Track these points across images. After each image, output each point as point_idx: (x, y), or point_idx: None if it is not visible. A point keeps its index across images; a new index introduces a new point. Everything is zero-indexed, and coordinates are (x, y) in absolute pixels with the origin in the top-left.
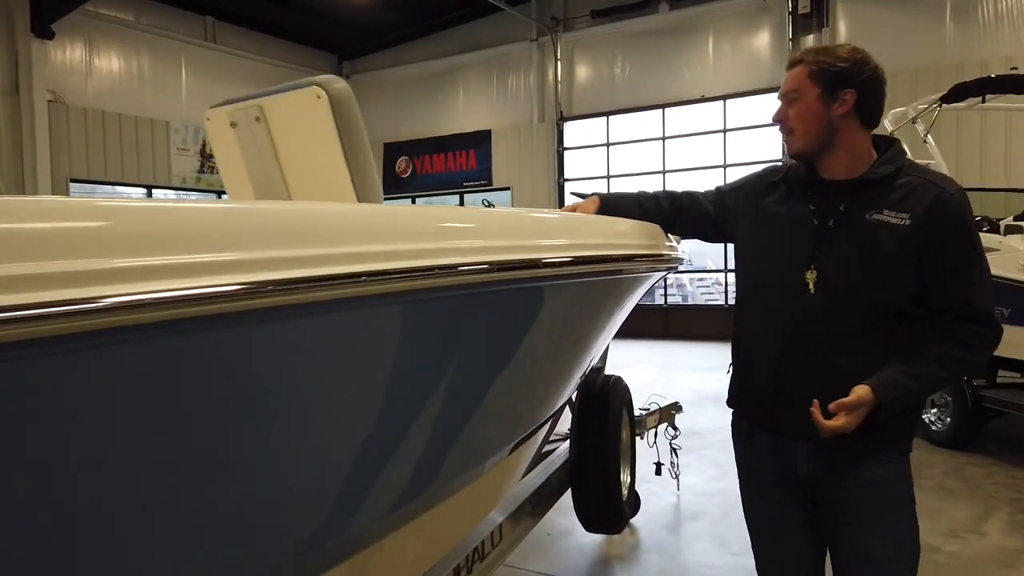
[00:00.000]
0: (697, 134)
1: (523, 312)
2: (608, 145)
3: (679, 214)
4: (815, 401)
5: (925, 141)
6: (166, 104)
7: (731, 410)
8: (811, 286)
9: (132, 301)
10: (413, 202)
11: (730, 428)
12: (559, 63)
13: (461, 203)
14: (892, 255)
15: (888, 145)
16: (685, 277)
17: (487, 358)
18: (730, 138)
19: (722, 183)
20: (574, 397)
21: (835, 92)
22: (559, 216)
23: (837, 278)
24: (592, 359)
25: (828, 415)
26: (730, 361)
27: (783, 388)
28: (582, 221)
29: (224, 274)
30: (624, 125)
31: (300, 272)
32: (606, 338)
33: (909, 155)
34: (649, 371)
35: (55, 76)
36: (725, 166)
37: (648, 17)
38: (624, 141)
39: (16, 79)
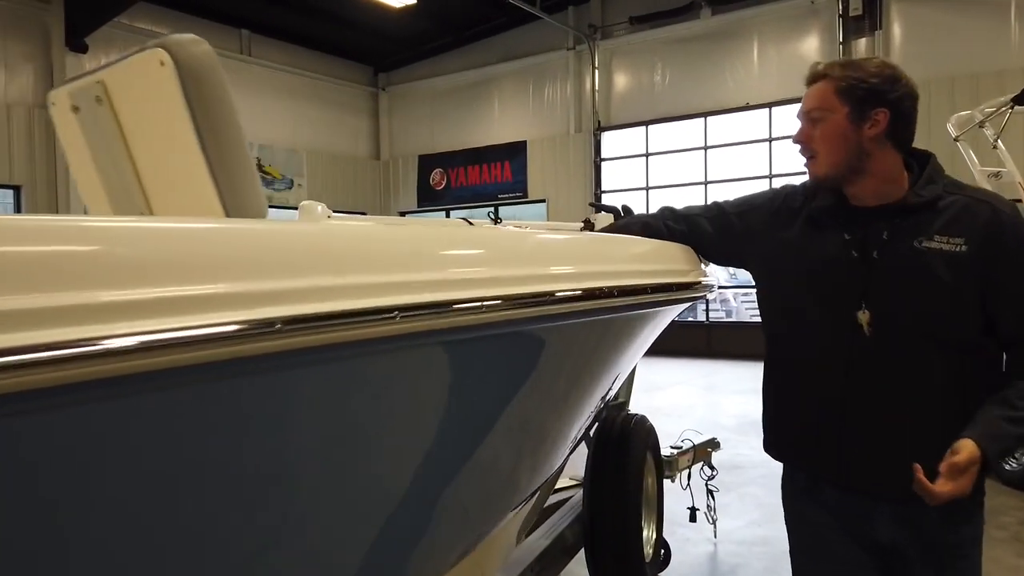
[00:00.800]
0: (741, 143)
1: (526, 357)
2: (647, 155)
3: (676, 238)
4: (917, 466)
5: (995, 147)
6: None
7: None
8: (865, 327)
9: (139, 343)
10: (447, 215)
11: (780, 472)
12: (597, 71)
13: (496, 215)
14: (951, 285)
15: (922, 161)
16: (729, 292)
17: (479, 413)
18: (776, 147)
19: (721, 199)
20: (592, 432)
21: (866, 111)
22: (567, 239)
23: (895, 316)
24: (608, 396)
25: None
26: (763, 406)
27: (850, 442)
28: (594, 244)
29: (214, 311)
30: (664, 135)
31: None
32: (625, 374)
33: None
34: (689, 394)
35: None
36: (771, 176)
37: (689, 23)
38: (664, 151)
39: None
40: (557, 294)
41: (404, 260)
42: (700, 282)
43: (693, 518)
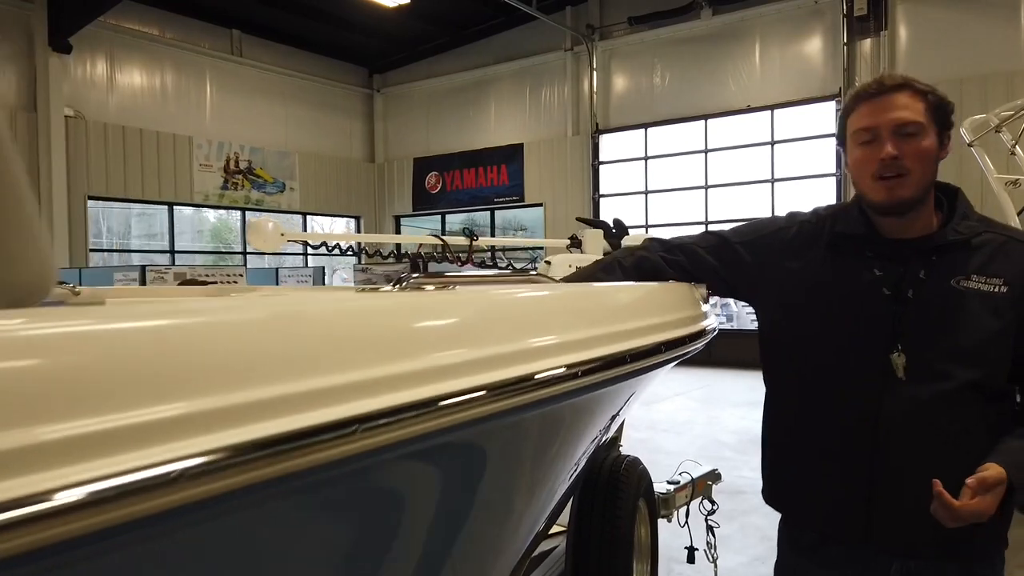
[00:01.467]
0: (742, 146)
1: (512, 444)
2: (646, 159)
3: (675, 269)
4: (936, 481)
5: (1013, 153)
6: (189, 119)
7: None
8: (901, 371)
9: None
10: (443, 219)
11: (776, 527)
12: (595, 73)
13: (492, 220)
14: (991, 328)
15: (950, 195)
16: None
17: (455, 506)
18: (778, 151)
19: (720, 228)
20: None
21: (943, 134)
22: (553, 296)
23: (932, 359)
24: (605, 440)
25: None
26: (762, 453)
27: (880, 498)
28: (584, 300)
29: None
30: (664, 137)
31: None
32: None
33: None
34: (687, 407)
35: (75, 91)
36: (773, 180)
37: (690, 23)
38: (663, 155)
39: (34, 94)
40: (546, 374)
41: (363, 348)
42: (704, 329)
43: (691, 559)
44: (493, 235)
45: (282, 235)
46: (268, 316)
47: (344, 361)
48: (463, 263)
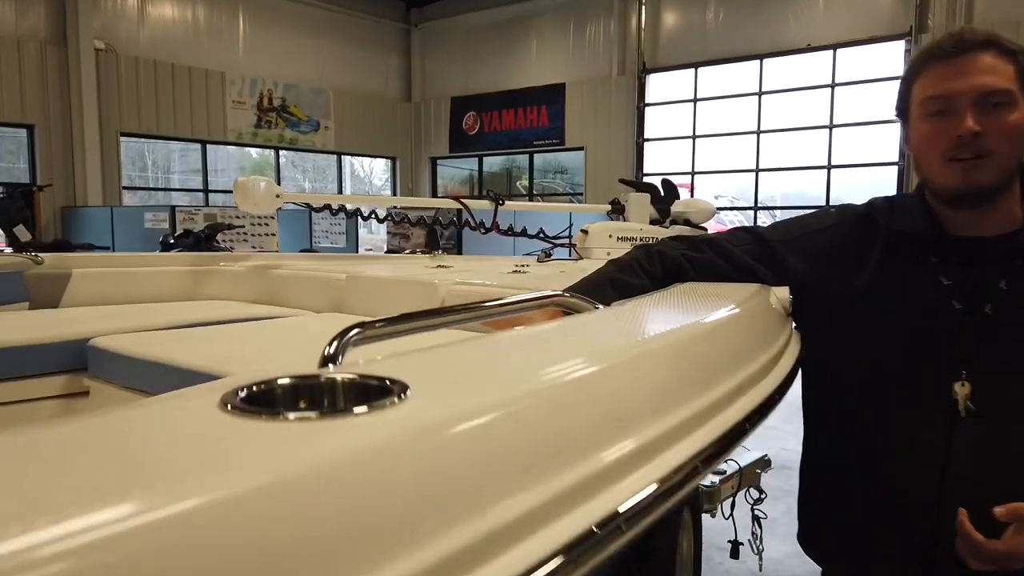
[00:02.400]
0: (800, 89)
1: None
2: (696, 101)
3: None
4: (961, 511)
5: None
6: (222, 54)
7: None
8: (962, 404)
9: None
10: (480, 162)
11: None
12: (643, 8)
13: (531, 163)
14: None
15: None
16: None
17: None
18: (839, 94)
19: (755, 223)
20: None
21: None
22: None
23: (1006, 391)
24: None
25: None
26: (800, 492)
27: (946, 551)
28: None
29: None
30: (714, 78)
31: None
32: None
33: None
34: None
35: (106, 24)
36: (831, 127)
37: None
38: (714, 96)
39: (64, 27)
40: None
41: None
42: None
43: (735, 554)
44: (531, 178)
45: (277, 196)
46: None
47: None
48: (487, 230)
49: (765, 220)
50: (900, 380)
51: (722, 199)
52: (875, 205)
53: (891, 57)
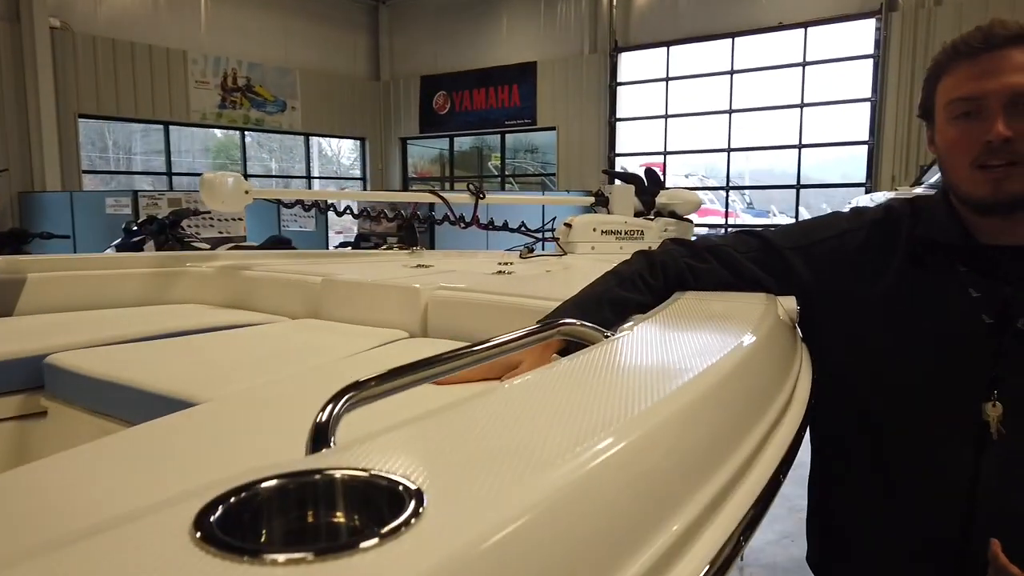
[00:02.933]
0: (771, 68)
1: None
2: (668, 80)
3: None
4: (994, 541)
5: None
6: (184, 32)
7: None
8: (995, 427)
9: None
10: (451, 142)
11: (809, 570)
12: None
13: (503, 143)
14: None
15: None
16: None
17: None
18: (811, 72)
19: (761, 227)
20: None
21: None
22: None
23: None
24: None
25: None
26: (809, 513)
27: None
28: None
29: None
30: (687, 57)
31: None
32: None
33: None
34: None
35: (61, 1)
36: (802, 105)
37: None
38: (686, 75)
39: (17, 4)
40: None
41: None
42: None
43: None
44: (503, 158)
45: (246, 192)
46: None
47: None
48: (467, 225)
49: (735, 199)
50: (924, 400)
51: (692, 178)
52: (894, 209)
53: (862, 36)
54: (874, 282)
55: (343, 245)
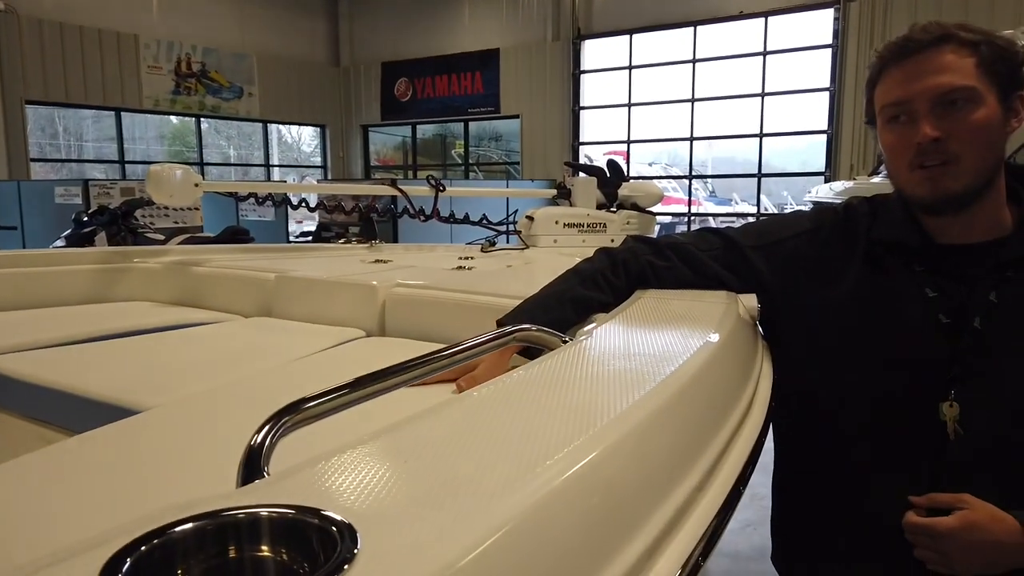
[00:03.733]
0: (733, 57)
1: None
2: (631, 68)
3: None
4: (909, 514)
5: None
6: (135, 16)
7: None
8: (950, 428)
9: None
10: (414, 129)
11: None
12: None
13: (466, 131)
14: None
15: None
16: (708, 217)
17: None
18: (771, 62)
19: (724, 215)
20: None
21: (1011, 98)
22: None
23: (998, 414)
24: None
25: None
26: (773, 511)
27: None
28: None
29: None
30: (649, 45)
31: None
32: None
33: None
34: None
35: None
36: (763, 95)
37: None
38: (649, 64)
39: None
40: None
41: None
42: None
43: None
44: (467, 146)
45: (196, 185)
46: None
47: None
48: (427, 218)
49: (698, 187)
50: (882, 400)
51: (656, 166)
52: (854, 209)
53: (819, 25)
54: (834, 282)
55: (304, 235)
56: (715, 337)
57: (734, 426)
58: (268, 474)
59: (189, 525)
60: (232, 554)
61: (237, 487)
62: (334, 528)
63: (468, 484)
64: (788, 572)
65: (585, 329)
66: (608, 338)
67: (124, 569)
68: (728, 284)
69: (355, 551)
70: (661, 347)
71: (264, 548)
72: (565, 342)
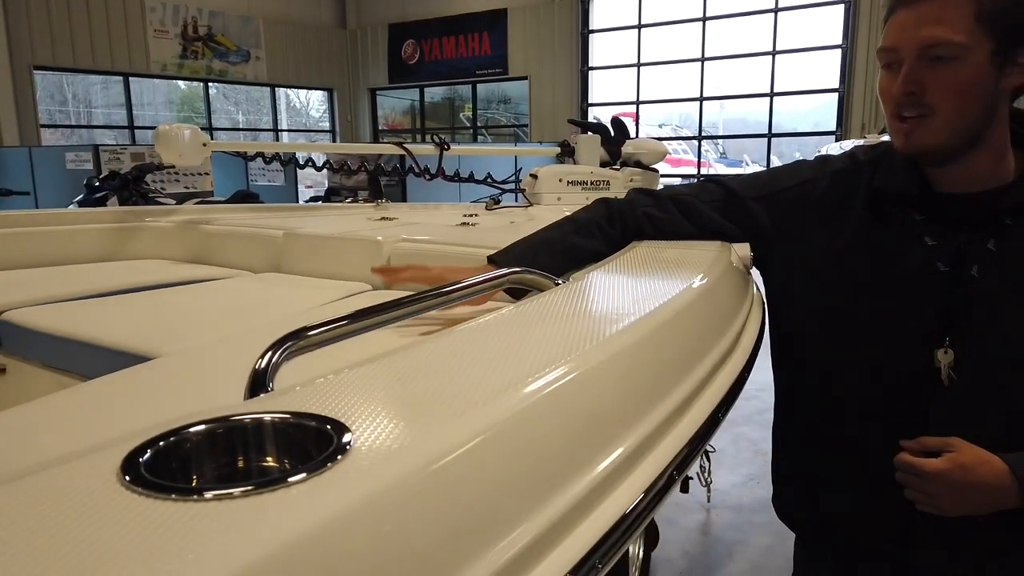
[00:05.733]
0: (743, 14)
1: None
2: (640, 27)
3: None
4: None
5: None
6: None
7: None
8: (945, 374)
9: None
10: (422, 92)
11: (774, 511)
12: None
13: (474, 94)
14: None
15: None
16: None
17: None
18: (782, 19)
19: (724, 176)
20: None
21: (1011, 52)
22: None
23: (993, 360)
24: None
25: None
26: (774, 457)
27: (921, 524)
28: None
29: None
30: (659, 3)
31: None
32: None
33: None
34: None
35: None
36: (774, 53)
37: None
38: (658, 23)
39: None
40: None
41: None
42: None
43: (685, 488)
44: (475, 109)
45: (204, 145)
46: None
47: None
48: (431, 176)
49: (708, 149)
50: (879, 346)
51: (666, 127)
52: (857, 158)
53: None
54: (834, 232)
55: (314, 199)
56: (701, 281)
57: (715, 362)
58: (272, 390)
59: (201, 427)
60: (241, 454)
61: (244, 400)
62: (328, 427)
63: (455, 396)
64: (788, 518)
65: (576, 275)
66: (599, 281)
67: (144, 459)
68: (728, 234)
69: (347, 447)
70: (649, 289)
71: (267, 447)
72: (558, 284)
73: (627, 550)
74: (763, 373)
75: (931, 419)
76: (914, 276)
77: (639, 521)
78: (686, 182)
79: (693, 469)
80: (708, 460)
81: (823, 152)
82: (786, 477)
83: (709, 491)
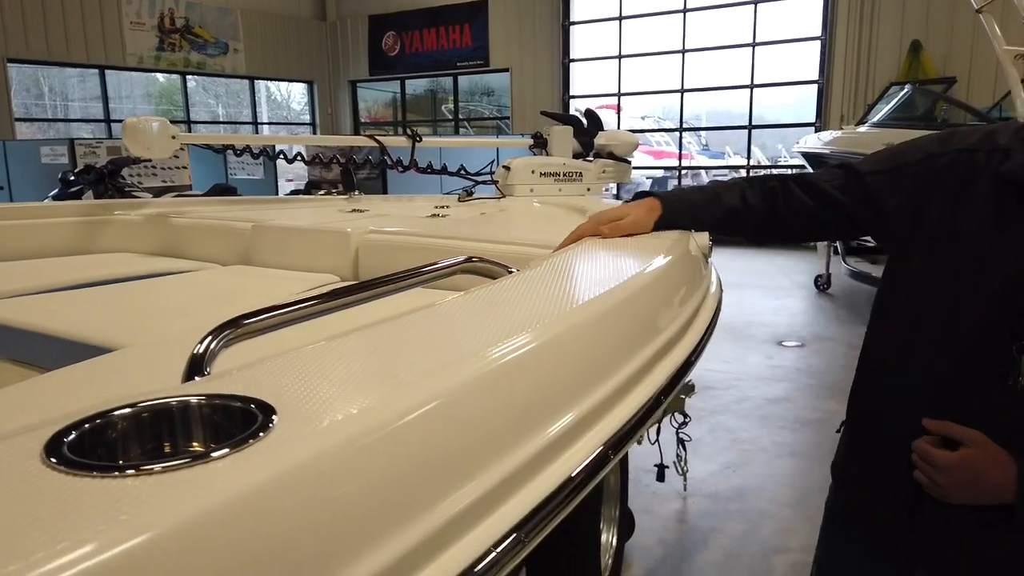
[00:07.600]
0: (724, 6)
1: None
2: (621, 19)
3: (791, 218)
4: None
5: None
6: None
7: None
8: (1022, 373)
9: None
10: (403, 85)
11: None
12: None
13: (455, 86)
14: None
15: None
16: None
17: None
18: (762, 11)
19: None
20: None
21: None
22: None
23: None
24: None
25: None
26: (845, 422)
27: (934, 522)
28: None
29: None
30: None
31: None
32: None
33: None
34: None
35: None
36: (754, 44)
37: None
38: (639, 14)
39: None
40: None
41: None
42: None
43: (661, 477)
44: (456, 101)
45: (173, 138)
46: None
47: None
48: (404, 168)
49: (691, 140)
50: (960, 336)
51: (648, 119)
52: (994, 138)
53: None
54: (951, 210)
55: (294, 192)
56: (654, 266)
57: (665, 342)
58: (209, 375)
59: (127, 410)
60: (165, 436)
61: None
62: (253, 406)
63: (389, 375)
64: (839, 476)
65: (532, 262)
66: (552, 269)
67: (68, 439)
68: (848, 210)
69: (270, 426)
70: (599, 276)
71: (194, 430)
72: (510, 272)
73: (600, 538)
74: (740, 364)
75: (997, 415)
76: (1017, 271)
77: (566, 501)
78: (668, 174)
79: (670, 458)
80: (684, 449)
81: (801, 143)
82: (850, 443)
83: (685, 480)
